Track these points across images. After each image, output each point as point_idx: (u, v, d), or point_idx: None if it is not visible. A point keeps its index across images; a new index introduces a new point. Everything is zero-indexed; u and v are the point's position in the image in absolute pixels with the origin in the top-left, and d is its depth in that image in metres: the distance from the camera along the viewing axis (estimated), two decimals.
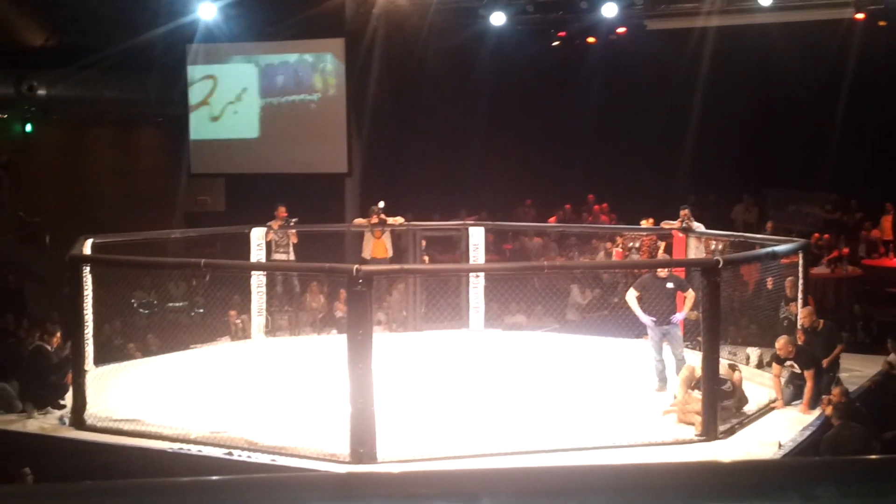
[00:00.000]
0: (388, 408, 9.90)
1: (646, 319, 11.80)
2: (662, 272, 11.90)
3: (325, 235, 17.41)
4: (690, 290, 11.80)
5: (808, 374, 11.15)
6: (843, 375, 12.23)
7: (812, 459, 2.33)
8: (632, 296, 11.95)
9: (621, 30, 20.64)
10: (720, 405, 10.36)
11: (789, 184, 21.75)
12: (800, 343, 11.76)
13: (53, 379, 11.52)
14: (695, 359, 11.00)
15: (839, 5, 18.11)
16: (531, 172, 23.17)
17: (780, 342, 11.37)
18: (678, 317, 11.85)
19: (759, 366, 12.58)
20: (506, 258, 20.01)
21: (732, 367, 11.07)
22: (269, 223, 15.79)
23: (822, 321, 12.34)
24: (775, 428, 10.56)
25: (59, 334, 12.15)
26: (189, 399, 11.44)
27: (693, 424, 10.21)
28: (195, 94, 22.24)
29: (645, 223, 16.45)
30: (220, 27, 21.52)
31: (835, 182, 21.01)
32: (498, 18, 20.30)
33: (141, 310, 16.52)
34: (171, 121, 23.35)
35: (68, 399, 11.24)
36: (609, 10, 19.33)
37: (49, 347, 11.98)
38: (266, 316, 15.23)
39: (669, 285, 11.80)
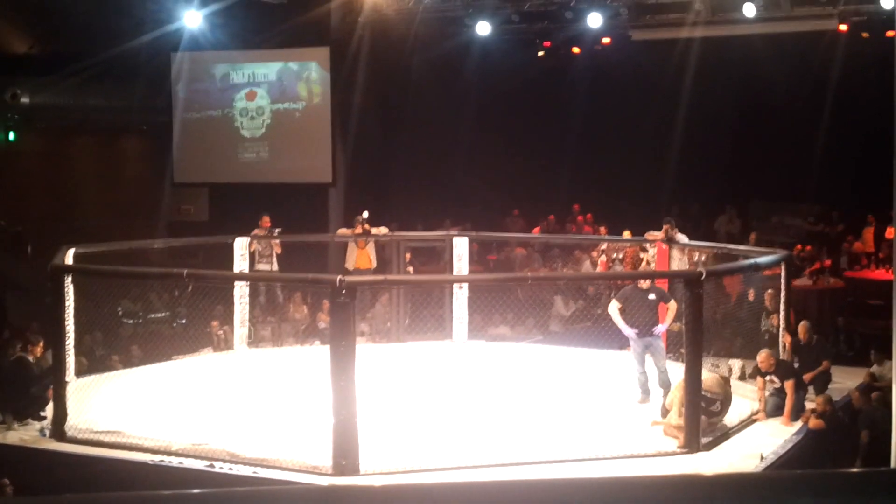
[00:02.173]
0: (371, 420, 9.88)
1: (628, 331, 11.74)
2: (644, 284, 11.89)
3: (309, 246, 17.37)
4: (673, 301, 11.79)
5: (787, 385, 11.20)
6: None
7: (791, 472, 2.34)
8: (614, 308, 11.90)
9: (606, 40, 20.69)
10: (709, 422, 10.37)
11: (772, 195, 21.81)
12: (786, 356, 11.85)
13: (34, 390, 11.44)
14: (677, 370, 10.99)
15: (823, 17, 18.18)
16: (517, 182, 23.18)
17: (762, 356, 11.42)
18: (660, 328, 11.81)
19: (742, 377, 12.61)
20: (490, 269, 20.00)
21: (725, 379, 11.06)
22: (252, 233, 15.75)
23: (815, 336, 12.43)
24: (758, 440, 10.59)
25: (41, 344, 12.07)
26: (171, 411, 11.38)
27: (677, 438, 10.21)
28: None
29: (627, 234, 16.50)
30: (205, 35, 21.49)
31: (818, 194, 21.09)
32: (483, 28, 20.33)
33: (125, 319, 16.43)
34: (155, 129, 23.27)
35: (49, 410, 11.17)
36: (594, 21, 19.38)
37: (31, 358, 11.90)
38: (249, 326, 15.17)
39: (651, 297, 11.76)
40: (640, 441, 10.24)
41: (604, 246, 17.08)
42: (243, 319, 15.03)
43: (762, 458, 9.94)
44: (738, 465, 9.73)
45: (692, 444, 10.03)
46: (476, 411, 11.31)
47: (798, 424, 11.05)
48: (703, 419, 10.22)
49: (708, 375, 10.76)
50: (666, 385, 11.59)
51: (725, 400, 10.68)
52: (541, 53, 21.73)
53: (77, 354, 11.84)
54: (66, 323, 11.33)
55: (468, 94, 22.66)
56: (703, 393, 10.34)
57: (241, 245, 15.33)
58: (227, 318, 15.18)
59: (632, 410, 11.45)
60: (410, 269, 16.97)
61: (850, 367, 13.92)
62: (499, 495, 2.34)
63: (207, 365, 14.19)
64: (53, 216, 21.85)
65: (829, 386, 12.36)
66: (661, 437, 10.40)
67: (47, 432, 10.93)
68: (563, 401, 11.85)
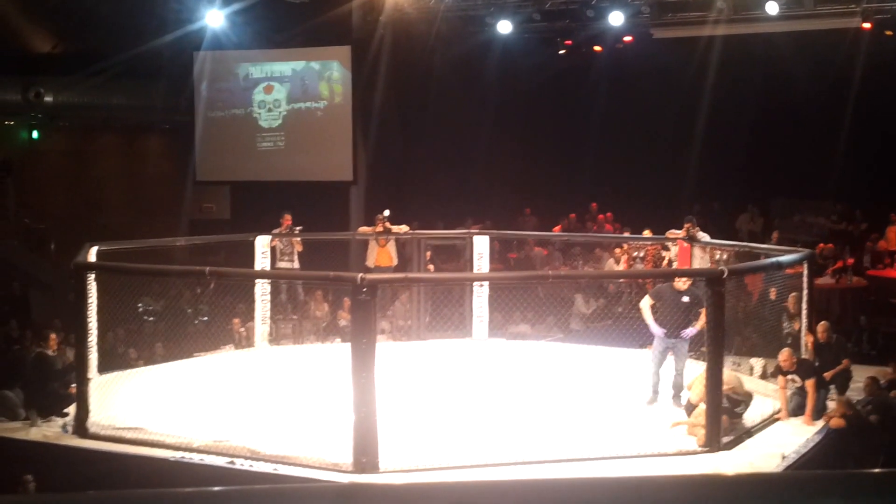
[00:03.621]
0: (391, 417, 9.88)
1: (656, 330, 11.52)
2: (682, 285, 11.62)
3: (330, 244, 17.40)
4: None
5: (808, 384, 11.15)
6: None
7: (814, 473, 2.31)
8: (646, 304, 11.66)
9: (628, 38, 20.63)
10: (730, 422, 10.32)
11: (794, 193, 21.69)
12: (808, 355, 11.79)
13: (56, 386, 11.50)
14: (698, 369, 10.94)
15: (846, 15, 18.09)
16: (537, 181, 23.14)
17: (783, 354, 11.38)
18: (689, 332, 11.53)
19: (763, 376, 12.56)
20: (510, 267, 19.98)
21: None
22: (273, 231, 15.80)
23: (834, 336, 12.35)
24: (779, 439, 10.53)
25: (53, 336, 12.12)
26: (192, 407, 11.43)
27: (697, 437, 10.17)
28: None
29: (647, 233, 16.44)
30: (227, 35, 21.57)
31: (840, 192, 20.96)
32: (504, 27, 20.32)
33: (146, 317, 16.51)
34: (177, 128, 23.39)
35: (71, 407, 11.23)
36: (615, 19, 19.34)
37: (50, 353, 11.96)
38: (270, 324, 15.22)
39: (685, 299, 11.51)
40: (661, 440, 10.21)
41: (623, 246, 17.01)
42: (264, 317, 15.08)
43: (783, 457, 9.89)
44: (760, 464, 9.68)
45: (713, 442, 9.99)
46: (496, 409, 11.30)
47: (820, 424, 10.99)
48: (724, 418, 10.18)
49: (733, 375, 10.71)
50: (678, 387, 11.49)
51: (748, 402, 10.65)
52: (562, 52, 21.68)
53: (100, 351, 11.90)
54: (89, 320, 11.39)
55: (489, 93, 22.64)
56: (731, 395, 10.31)
57: (262, 243, 15.37)
58: (249, 316, 15.23)
59: (651, 409, 11.41)
60: (431, 267, 16.97)
61: (874, 367, 13.81)
62: (517, 494, 2.33)
63: (229, 362, 14.24)
64: (76, 214, 22.01)
65: (851, 385, 12.28)
66: (681, 436, 10.36)
67: (69, 429, 10.99)
68: (583, 399, 11.82)
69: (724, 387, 10.32)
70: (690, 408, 10.66)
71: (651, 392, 11.60)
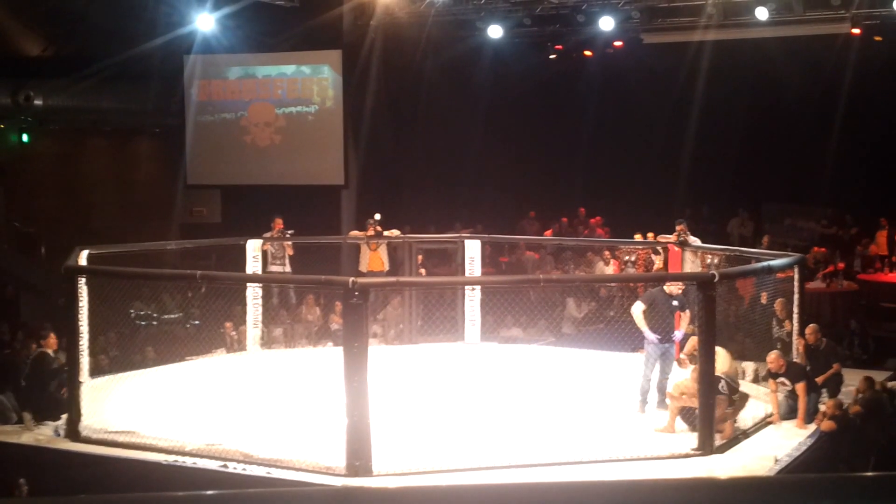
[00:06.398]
0: (383, 421, 9.89)
1: (651, 336, 11.41)
2: (675, 289, 11.50)
3: (322, 247, 17.39)
4: (688, 310, 11.62)
5: (798, 388, 11.18)
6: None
7: (808, 476, 2.32)
8: (638, 309, 11.50)
9: (618, 43, 20.67)
10: (725, 413, 10.41)
11: (785, 198, 21.78)
12: (800, 360, 11.84)
13: (53, 388, 11.48)
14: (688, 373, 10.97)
15: (836, 20, 18.14)
16: (528, 185, 23.19)
17: (771, 357, 11.41)
18: (678, 335, 11.58)
19: (755, 380, 12.58)
20: (502, 271, 19.99)
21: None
22: (265, 235, 15.79)
23: (824, 340, 12.38)
24: (771, 442, 10.57)
25: (52, 336, 12.09)
26: (184, 411, 11.41)
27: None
28: None
29: (638, 237, 16.46)
30: (217, 38, 21.54)
31: (831, 197, 21.04)
32: (495, 31, 20.33)
33: (138, 321, 16.47)
34: (168, 131, 23.34)
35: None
36: (606, 24, 19.36)
37: (51, 352, 11.94)
38: (262, 328, 15.20)
39: (675, 303, 11.52)
40: (654, 443, 10.23)
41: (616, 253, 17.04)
42: (256, 321, 15.06)
43: (776, 460, 9.92)
44: (753, 467, 9.71)
45: (706, 445, 10.02)
46: (488, 413, 11.30)
47: (812, 427, 11.03)
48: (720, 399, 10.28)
49: (731, 364, 10.83)
50: (663, 391, 11.48)
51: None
52: (552, 57, 21.72)
53: (91, 355, 11.87)
54: (80, 324, 11.37)
55: (480, 97, 22.67)
56: (728, 380, 10.41)
57: (253, 247, 15.36)
58: (241, 320, 15.22)
59: (643, 413, 11.41)
60: (423, 270, 16.97)
61: (864, 370, 13.86)
62: (511, 497, 2.34)
63: (221, 366, 14.22)
64: (67, 218, 21.93)
65: (843, 388, 12.32)
66: (673, 439, 10.38)
67: (62, 432, 10.97)
68: (575, 403, 11.83)
69: (722, 370, 10.43)
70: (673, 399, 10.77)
71: (640, 401, 11.47)
